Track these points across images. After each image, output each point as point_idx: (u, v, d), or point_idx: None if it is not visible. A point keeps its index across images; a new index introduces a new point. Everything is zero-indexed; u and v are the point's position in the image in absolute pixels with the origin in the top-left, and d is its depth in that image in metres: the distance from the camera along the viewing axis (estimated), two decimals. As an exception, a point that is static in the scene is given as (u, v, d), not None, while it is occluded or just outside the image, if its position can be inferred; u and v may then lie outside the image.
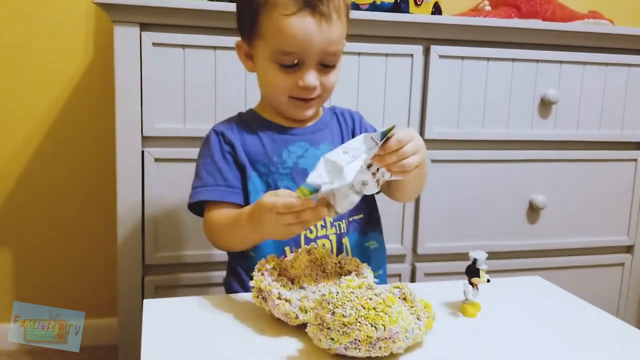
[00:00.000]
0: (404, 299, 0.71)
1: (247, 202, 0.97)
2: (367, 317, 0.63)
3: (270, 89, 0.98)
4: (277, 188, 0.97)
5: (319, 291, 0.77)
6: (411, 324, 0.66)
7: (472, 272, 0.80)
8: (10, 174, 1.65)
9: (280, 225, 0.78)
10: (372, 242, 1.03)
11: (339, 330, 0.64)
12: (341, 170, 0.75)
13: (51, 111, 1.64)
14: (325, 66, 0.94)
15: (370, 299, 0.65)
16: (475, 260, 0.80)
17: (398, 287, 0.72)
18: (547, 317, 0.82)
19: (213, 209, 0.96)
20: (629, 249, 1.67)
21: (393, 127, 0.76)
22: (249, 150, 0.99)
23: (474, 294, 0.80)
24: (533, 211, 1.56)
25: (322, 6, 0.90)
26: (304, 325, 0.70)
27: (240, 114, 1.06)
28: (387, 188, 0.99)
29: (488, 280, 0.80)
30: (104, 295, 1.72)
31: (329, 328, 0.64)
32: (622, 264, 1.66)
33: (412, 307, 0.70)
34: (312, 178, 0.75)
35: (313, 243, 0.94)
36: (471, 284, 0.80)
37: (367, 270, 0.80)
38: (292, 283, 0.80)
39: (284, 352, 0.67)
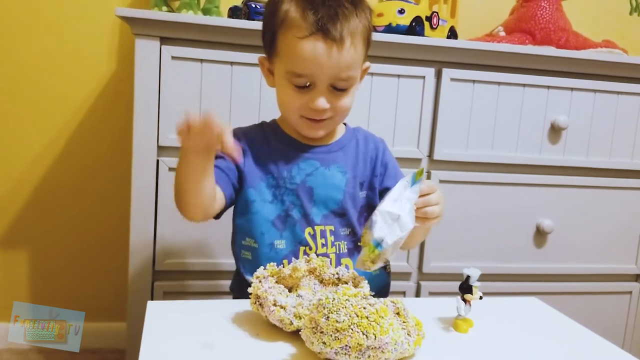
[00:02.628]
0: (397, 313, 0.73)
1: (248, 209, 1.01)
2: (360, 325, 0.66)
3: (284, 106, 1.01)
4: (282, 202, 1.00)
5: (316, 299, 0.79)
6: (401, 337, 0.69)
7: (465, 288, 0.82)
8: (29, 179, 1.71)
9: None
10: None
11: (331, 335, 0.66)
12: (398, 217, 0.80)
13: (72, 119, 1.70)
14: (338, 89, 0.95)
15: (364, 308, 0.68)
16: (468, 277, 0.82)
17: (393, 302, 0.75)
18: (538, 338, 0.83)
19: None
20: (637, 277, 1.67)
21: (422, 169, 0.83)
22: (262, 161, 1.02)
23: (466, 310, 0.82)
24: (540, 235, 1.57)
25: (334, 31, 0.90)
26: (298, 332, 0.73)
27: (262, 124, 1.09)
28: None
29: (481, 297, 0.82)
30: (116, 299, 1.76)
31: (322, 332, 0.67)
32: (630, 292, 1.66)
33: (404, 322, 0.72)
34: (377, 233, 0.80)
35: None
36: (464, 300, 0.82)
37: (364, 282, 0.82)
38: (290, 291, 0.82)
39: (277, 356, 0.70)
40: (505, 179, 1.53)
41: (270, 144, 1.04)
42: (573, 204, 1.59)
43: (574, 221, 1.59)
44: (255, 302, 0.78)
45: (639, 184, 1.62)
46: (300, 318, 0.75)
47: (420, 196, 0.85)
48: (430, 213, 0.86)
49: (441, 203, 0.89)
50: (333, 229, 1.01)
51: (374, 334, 0.66)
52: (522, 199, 1.55)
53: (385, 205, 0.81)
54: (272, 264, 0.84)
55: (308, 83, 0.94)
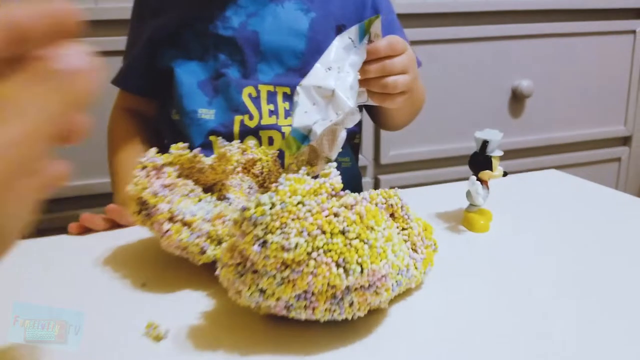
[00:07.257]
0: (392, 214, 0.42)
1: (171, 75, 0.71)
2: (331, 250, 0.33)
3: None
4: (215, 57, 0.70)
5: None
6: (405, 259, 0.37)
7: (481, 162, 0.51)
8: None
9: None
10: (345, 159, 0.74)
11: (274, 276, 0.34)
12: (332, 93, 0.48)
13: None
14: None
15: (336, 215, 0.35)
16: (485, 144, 0.51)
17: (383, 196, 0.42)
18: (582, 214, 0.57)
19: (120, 99, 0.80)
20: (625, 140, 1.46)
21: (377, 17, 0.51)
22: (182, 4, 0.71)
23: (484, 195, 0.52)
24: (517, 101, 1.30)
25: None
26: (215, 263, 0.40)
27: None
28: (369, 112, 0.75)
29: (505, 174, 0.52)
30: None
31: (255, 271, 0.34)
32: (619, 159, 1.46)
33: (404, 229, 0.41)
34: (298, 120, 0.48)
35: (251, 136, 0.67)
36: (479, 180, 0.52)
37: (330, 166, 0.47)
38: (206, 192, 0.49)
39: (177, 320, 0.38)
40: (472, 33, 1.24)
41: None
42: (552, 58, 1.33)
43: (554, 80, 1.35)
44: (140, 211, 0.44)
45: (625, 26, 1.36)
46: (219, 243, 0.42)
47: (376, 60, 0.52)
48: (391, 86, 0.54)
49: (411, 71, 0.55)
50: (289, 92, 0.68)
51: (359, 263, 0.34)
52: (494, 57, 1.27)
53: (311, 79, 0.48)
54: (180, 144, 0.47)
55: None
